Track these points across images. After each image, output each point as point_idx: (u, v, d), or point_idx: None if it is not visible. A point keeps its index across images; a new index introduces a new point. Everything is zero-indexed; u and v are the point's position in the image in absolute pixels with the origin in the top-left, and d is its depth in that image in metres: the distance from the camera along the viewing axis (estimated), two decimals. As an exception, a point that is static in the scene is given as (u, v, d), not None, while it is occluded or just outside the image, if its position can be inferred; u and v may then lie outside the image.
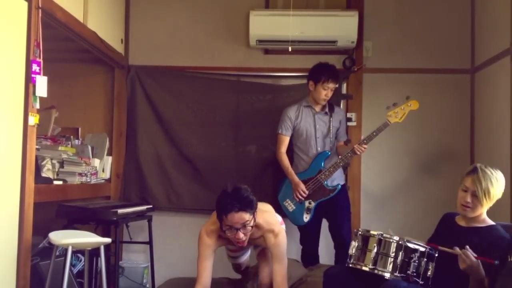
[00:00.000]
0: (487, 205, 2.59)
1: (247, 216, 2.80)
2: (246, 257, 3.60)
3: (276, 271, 3.00)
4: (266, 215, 3.06)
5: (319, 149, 3.94)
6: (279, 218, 3.32)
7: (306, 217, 3.90)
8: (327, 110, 3.98)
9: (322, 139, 3.95)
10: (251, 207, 2.82)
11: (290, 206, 3.95)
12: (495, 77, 3.97)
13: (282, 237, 3.02)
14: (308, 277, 3.53)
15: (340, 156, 3.87)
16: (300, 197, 3.86)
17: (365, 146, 3.75)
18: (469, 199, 2.58)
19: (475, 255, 2.38)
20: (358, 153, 3.76)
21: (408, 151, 4.50)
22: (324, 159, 3.90)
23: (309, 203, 3.90)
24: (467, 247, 2.41)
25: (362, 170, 4.50)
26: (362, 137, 3.81)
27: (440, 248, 2.53)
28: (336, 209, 3.93)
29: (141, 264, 4.52)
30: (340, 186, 3.91)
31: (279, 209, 3.94)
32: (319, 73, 3.89)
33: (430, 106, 4.42)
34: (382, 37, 4.54)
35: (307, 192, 3.85)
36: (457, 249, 2.43)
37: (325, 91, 3.87)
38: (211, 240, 2.98)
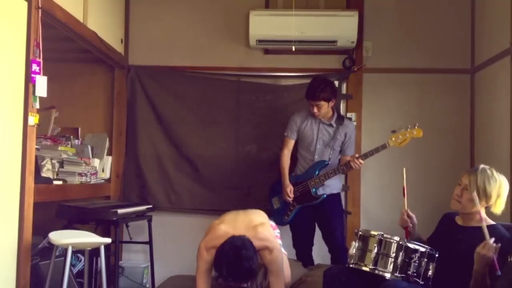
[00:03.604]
0: (480, 202, 2.56)
1: (245, 284, 2.85)
2: None
3: (273, 285, 3.01)
4: (260, 230, 3.04)
5: (316, 157, 3.95)
6: (271, 223, 3.38)
7: (285, 218, 3.96)
8: (333, 121, 3.97)
9: (322, 148, 3.95)
10: (251, 278, 2.85)
11: (276, 204, 4.04)
12: (495, 77, 3.97)
13: (277, 252, 3.02)
14: (308, 277, 3.53)
15: (333, 167, 3.88)
16: (287, 198, 3.92)
17: (361, 161, 3.74)
18: (459, 192, 2.63)
19: (496, 256, 2.35)
20: (354, 167, 3.76)
21: (408, 150, 4.48)
22: (320, 168, 3.91)
23: (293, 205, 3.94)
24: (496, 244, 2.37)
25: (362, 170, 4.48)
26: (357, 155, 3.80)
27: (482, 225, 2.45)
28: (328, 217, 3.95)
29: (141, 264, 4.52)
30: (325, 196, 3.89)
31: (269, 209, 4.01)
32: (306, 89, 3.92)
33: (430, 106, 4.43)
34: (382, 37, 4.54)
35: (291, 196, 3.92)
36: (492, 240, 2.37)
37: (311, 107, 3.89)
38: (210, 256, 2.98)
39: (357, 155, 3.78)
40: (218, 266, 2.85)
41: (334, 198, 3.98)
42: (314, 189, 3.88)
